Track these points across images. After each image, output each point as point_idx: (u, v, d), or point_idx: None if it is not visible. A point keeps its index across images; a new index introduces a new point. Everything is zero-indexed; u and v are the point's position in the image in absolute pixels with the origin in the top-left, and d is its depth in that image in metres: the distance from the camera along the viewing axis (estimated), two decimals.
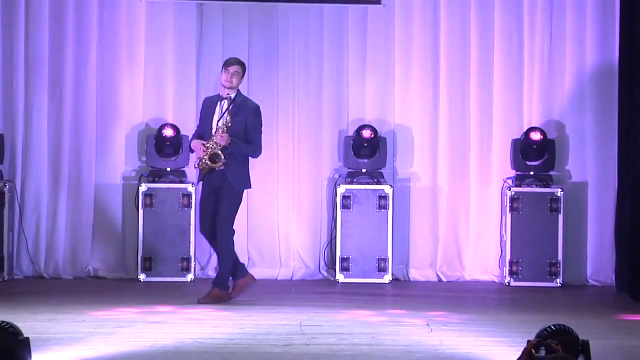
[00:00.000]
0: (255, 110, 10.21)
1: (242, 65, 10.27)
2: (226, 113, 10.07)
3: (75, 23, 11.95)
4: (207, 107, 10.28)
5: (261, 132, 10.20)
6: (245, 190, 10.22)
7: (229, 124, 10.04)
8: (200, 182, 10.26)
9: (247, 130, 10.12)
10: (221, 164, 10.02)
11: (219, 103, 10.18)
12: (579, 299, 11.05)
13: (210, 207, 10.17)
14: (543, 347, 5.92)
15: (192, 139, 10.38)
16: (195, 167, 10.19)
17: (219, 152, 10.00)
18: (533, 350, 5.89)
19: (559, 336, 7.17)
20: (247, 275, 10.37)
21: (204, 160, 10.04)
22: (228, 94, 10.13)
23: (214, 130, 10.07)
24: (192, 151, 10.24)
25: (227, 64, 10.23)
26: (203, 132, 10.21)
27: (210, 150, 10.02)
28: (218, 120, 10.09)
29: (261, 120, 10.21)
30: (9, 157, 11.83)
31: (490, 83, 12.12)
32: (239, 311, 9.94)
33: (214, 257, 11.87)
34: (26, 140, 11.97)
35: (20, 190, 11.91)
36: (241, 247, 11.41)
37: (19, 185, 11.92)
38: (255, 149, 10.20)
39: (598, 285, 11.87)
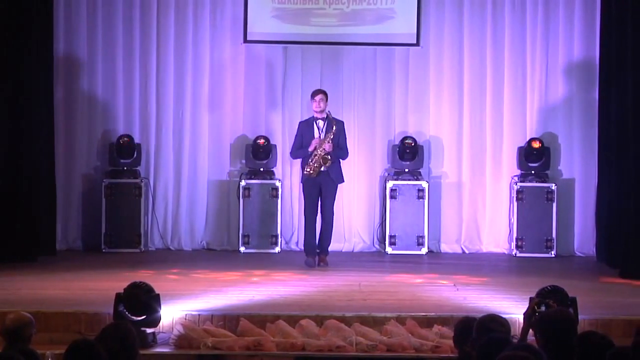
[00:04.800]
0: (342, 125, 10.45)
1: (324, 93, 10.47)
2: (326, 130, 10.32)
3: (193, 61, 11.99)
4: (305, 129, 10.49)
5: (346, 140, 10.48)
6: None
7: (332, 136, 10.26)
8: (303, 183, 10.52)
9: (338, 139, 10.33)
10: (329, 163, 10.21)
11: (314, 124, 10.37)
12: (568, 266, 10.96)
13: (317, 202, 10.39)
14: (543, 305, 5.87)
15: (292, 153, 10.73)
16: (306, 173, 10.28)
17: (327, 156, 10.20)
18: (536, 307, 5.85)
19: (554, 294, 7.13)
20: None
21: (313, 166, 10.21)
22: (323, 116, 10.37)
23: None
24: (309, 152, 10.31)
25: (314, 94, 10.46)
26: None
27: (318, 157, 10.19)
28: (321, 134, 10.34)
29: (345, 132, 10.50)
30: (145, 161, 11.90)
31: (501, 104, 12.02)
32: (314, 274, 9.96)
33: (296, 233, 11.92)
34: (157, 148, 12.03)
35: (152, 185, 11.98)
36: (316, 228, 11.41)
37: (152, 181, 12.00)
38: (345, 153, 10.53)
39: (583, 256, 11.73)
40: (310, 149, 10.29)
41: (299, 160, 10.95)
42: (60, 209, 11.57)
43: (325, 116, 10.42)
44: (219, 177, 12.07)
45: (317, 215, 10.46)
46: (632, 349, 4.68)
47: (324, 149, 10.27)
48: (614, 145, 10.54)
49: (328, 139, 10.29)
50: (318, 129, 10.41)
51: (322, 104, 10.38)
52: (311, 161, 10.26)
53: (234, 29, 12.00)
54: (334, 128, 10.34)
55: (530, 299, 7.13)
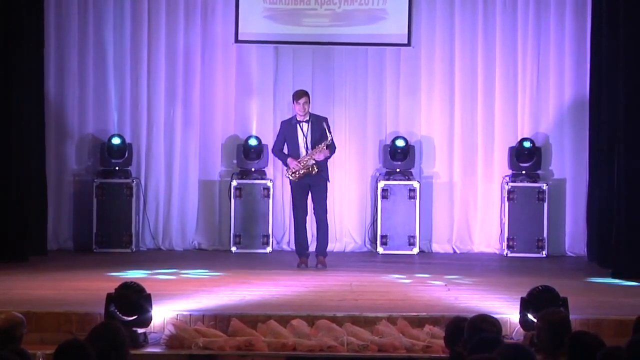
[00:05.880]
0: (326, 121, 10.28)
1: (307, 94, 10.30)
2: (312, 133, 10.12)
3: (184, 61, 11.99)
4: (287, 129, 10.27)
5: (332, 135, 10.31)
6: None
7: (329, 142, 10.08)
8: (291, 183, 10.31)
9: (324, 136, 10.16)
10: (316, 171, 10.07)
11: (297, 126, 10.19)
12: (559, 266, 10.96)
13: (305, 202, 10.23)
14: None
15: (273, 151, 10.50)
16: (287, 177, 10.19)
17: (313, 164, 10.04)
18: (534, 338, 5.83)
19: (545, 294, 7.13)
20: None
21: (299, 173, 10.04)
22: (306, 118, 10.19)
23: (301, 148, 10.14)
24: (287, 165, 10.18)
25: (298, 96, 10.22)
26: (290, 150, 10.21)
27: (304, 163, 10.05)
28: (305, 139, 10.12)
29: (330, 127, 10.31)
30: (136, 160, 11.88)
31: (492, 104, 12.03)
32: (305, 274, 9.94)
33: (287, 233, 11.91)
34: (148, 148, 12.02)
35: (144, 185, 11.96)
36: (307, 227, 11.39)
37: (143, 181, 11.98)
38: (333, 149, 10.30)
39: (574, 256, 11.74)
40: (293, 168, 10.07)
41: None
42: (51, 208, 11.54)
43: (308, 118, 10.26)
44: (210, 177, 12.06)
45: (307, 215, 10.40)
46: (627, 347, 4.68)
47: (314, 159, 10.12)
48: (604, 145, 10.55)
49: (321, 149, 10.11)
50: (302, 132, 10.20)
51: (306, 107, 10.17)
52: (297, 168, 10.10)
53: (225, 29, 11.98)
54: (329, 139, 10.09)
55: (521, 301, 7.15)
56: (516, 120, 12.01)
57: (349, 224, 12.06)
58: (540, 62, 11.96)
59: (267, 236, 11.64)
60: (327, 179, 10.32)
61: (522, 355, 4.62)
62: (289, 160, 10.17)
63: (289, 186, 10.56)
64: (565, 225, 11.90)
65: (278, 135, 10.52)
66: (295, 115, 10.35)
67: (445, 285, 9.26)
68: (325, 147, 10.13)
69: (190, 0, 11.97)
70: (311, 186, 10.25)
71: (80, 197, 11.83)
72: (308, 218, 10.43)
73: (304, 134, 10.21)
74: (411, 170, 11.83)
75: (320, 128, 10.18)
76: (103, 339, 4.94)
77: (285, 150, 10.35)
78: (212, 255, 11.56)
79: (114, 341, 4.97)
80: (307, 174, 10.10)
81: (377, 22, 12.00)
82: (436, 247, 12.02)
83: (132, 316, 7.22)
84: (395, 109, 12.10)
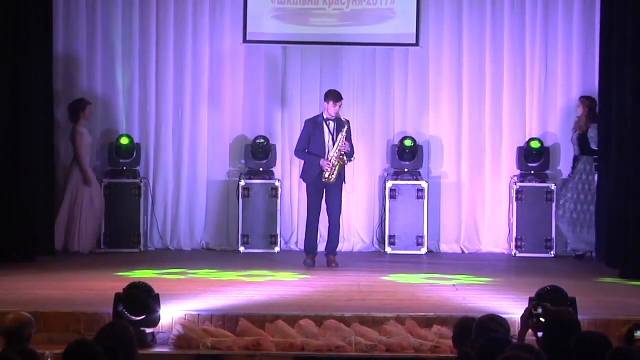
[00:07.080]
0: (349, 125, 10.37)
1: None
2: (340, 131, 10.21)
3: (192, 61, 11.99)
4: (313, 128, 10.34)
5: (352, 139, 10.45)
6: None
7: (344, 134, 10.20)
8: (306, 181, 10.41)
9: (348, 136, 10.33)
10: (347, 161, 10.21)
11: (324, 124, 10.25)
12: (567, 266, 10.94)
13: (320, 202, 10.31)
14: (540, 307, 5.87)
15: (297, 152, 10.54)
16: (324, 179, 10.19)
17: (343, 155, 10.15)
18: (533, 310, 5.85)
19: (553, 294, 7.13)
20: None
21: (332, 170, 10.13)
22: (334, 117, 10.26)
23: (327, 146, 10.23)
24: (320, 166, 10.22)
25: (337, 98, 10.28)
26: (315, 148, 10.29)
27: (335, 159, 10.14)
28: (331, 137, 10.22)
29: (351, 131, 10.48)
30: (144, 160, 11.89)
31: (500, 104, 12.02)
32: (313, 274, 9.94)
33: (295, 233, 11.91)
34: (156, 148, 12.02)
35: (152, 185, 11.97)
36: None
37: (151, 181, 11.99)
38: (353, 152, 10.42)
39: None
40: (326, 169, 10.15)
41: (298, 161, 10.97)
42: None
43: (335, 117, 10.33)
44: (219, 177, 12.06)
45: (320, 215, 10.43)
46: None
47: (339, 150, 10.19)
48: (613, 145, 10.53)
49: (342, 140, 10.20)
50: (329, 130, 10.28)
51: (339, 110, 10.31)
52: (329, 167, 10.15)
53: (233, 29, 11.99)
54: (345, 127, 10.24)
55: (530, 300, 7.15)
56: (524, 120, 12.00)
57: (357, 223, 12.06)
58: (548, 61, 11.94)
59: (275, 236, 11.64)
60: (343, 180, 10.38)
61: (531, 355, 4.62)
62: (321, 161, 10.20)
63: (305, 187, 10.55)
64: None
65: (302, 134, 10.50)
66: (322, 114, 10.38)
67: (453, 285, 9.25)
68: (344, 136, 10.21)
69: (199, 0, 11.98)
70: (327, 187, 10.28)
71: None
72: (320, 218, 10.46)
73: (330, 132, 10.28)
74: (419, 170, 11.82)
75: (343, 127, 10.25)
76: (111, 339, 4.95)
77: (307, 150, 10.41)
78: (220, 255, 11.56)
79: (122, 341, 4.98)
80: (340, 167, 10.18)
81: (385, 22, 11.99)
82: (444, 247, 12.01)
83: (140, 316, 7.24)
84: (403, 108, 12.09)
